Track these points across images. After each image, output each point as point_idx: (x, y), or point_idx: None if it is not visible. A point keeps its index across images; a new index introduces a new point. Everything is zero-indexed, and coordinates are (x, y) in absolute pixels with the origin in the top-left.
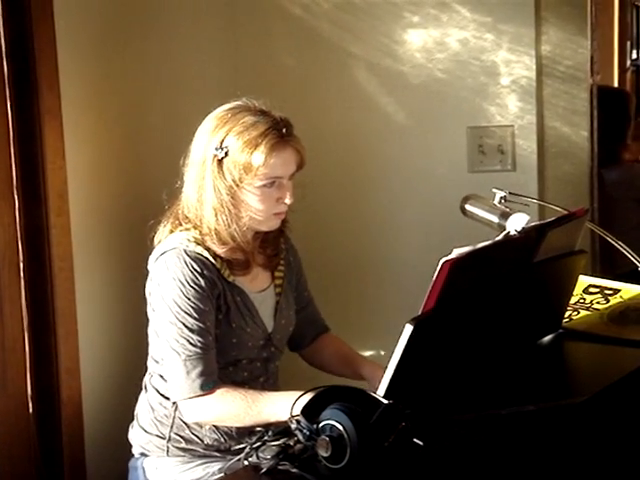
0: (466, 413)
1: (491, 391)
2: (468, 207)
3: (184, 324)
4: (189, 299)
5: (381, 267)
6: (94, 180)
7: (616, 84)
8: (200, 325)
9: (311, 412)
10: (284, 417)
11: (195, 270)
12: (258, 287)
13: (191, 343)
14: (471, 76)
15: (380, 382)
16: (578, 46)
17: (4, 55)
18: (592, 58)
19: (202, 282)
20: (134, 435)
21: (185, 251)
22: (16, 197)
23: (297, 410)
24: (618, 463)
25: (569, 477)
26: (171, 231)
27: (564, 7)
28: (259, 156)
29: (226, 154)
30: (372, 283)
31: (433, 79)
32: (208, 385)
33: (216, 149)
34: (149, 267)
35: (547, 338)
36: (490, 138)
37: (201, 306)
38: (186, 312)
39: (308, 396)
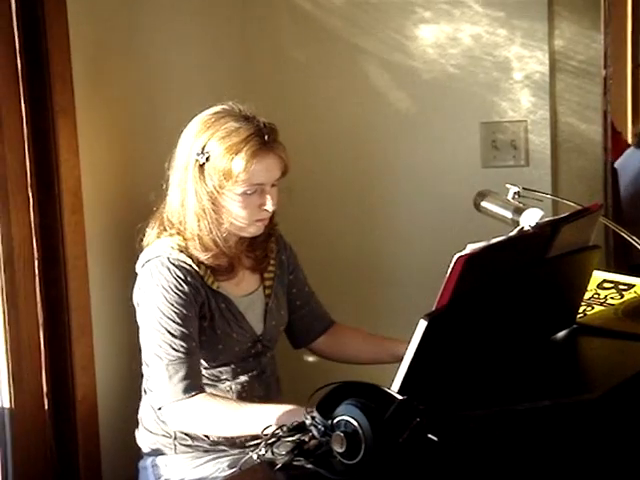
0: (480, 409)
1: (505, 387)
2: (482, 203)
3: (167, 329)
4: (172, 305)
5: (393, 264)
6: (108, 177)
7: (629, 79)
8: (183, 330)
9: (325, 408)
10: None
11: (178, 277)
12: (244, 290)
13: (173, 348)
14: (484, 71)
15: None
16: (591, 41)
17: (18, 53)
18: (605, 53)
19: (185, 288)
20: (141, 437)
21: (169, 259)
22: (30, 195)
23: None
24: (633, 459)
25: (584, 473)
26: (157, 236)
27: (577, 1)
28: (239, 162)
29: (207, 159)
30: (384, 281)
31: (445, 75)
32: (190, 389)
33: (198, 154)
34: (137, 271)
35: (561, 333)
36: (503, 133)
37: (184, 312)
38: (169, 318)
39: (292, 410)
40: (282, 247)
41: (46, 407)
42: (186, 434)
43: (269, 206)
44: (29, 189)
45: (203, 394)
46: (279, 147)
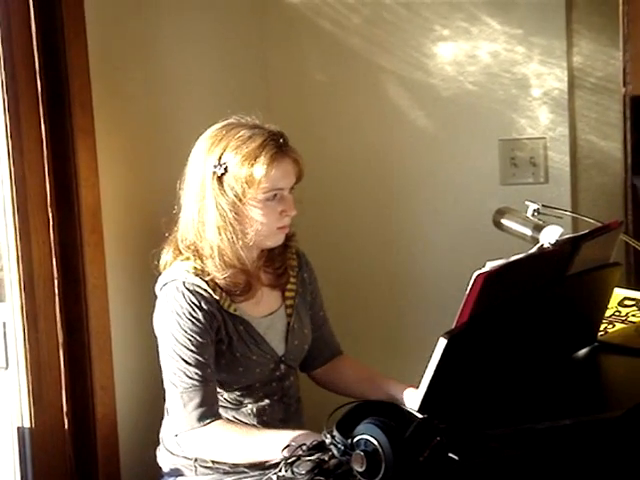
0: (501, 427)
1: (526, 405)
2: (501, 220)
3: (181, 357)
4: (186, 332)
5: (412, 282)
6: (127, 197)
7: None
8: (197, 358)
9: (345, 427)
10: (279, 456)
11: (193, 303)
12: (265, 311)
13: (187, 376)
14: (502, 88)
15: (408, 402)
16: (609, 57)
17: (38, 76)
18: (625, 69)
19: (200, 315)
20: (162, 458)
21: (184, 283)
22: (50, 215)
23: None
24: None
25: None
26: (174, 258)
27: (595, 18)
28: (260, 168)
29: (225, 170)
30: (402, 299)
31: (464, 92)
32: (206, 417)
33: (214, 166)
34: (156, 293)
35: (582, 351)
36: (522, 151)
37: (199, 339)
38: (183, 345)
39: (306, 435)
40: (304, 265)
41: (66, 426)
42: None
43: (290, 210)
44: (49, 209)
45: (218, 421)
46: (293, 151)
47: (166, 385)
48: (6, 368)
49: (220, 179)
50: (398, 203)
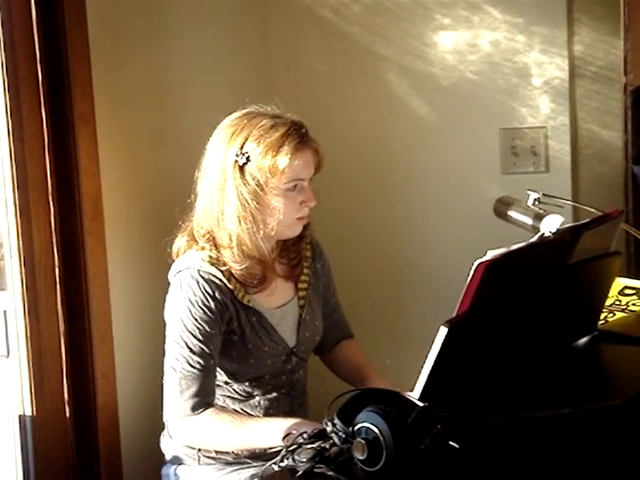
0: (502, 416)
1: (526, 394)
2: (501, 209)
3: (186, 344)
4: (196, 320)
5: (413, 270)
6: (128, 186)
7: None
8: (202, 347)
9: (346, 415)
10: (273, 443)
11: (206, 292)
12: (277, 302)
13: (190, 364)
14: (503, 77)
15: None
16: (611, 46)
17: (38, 61)
18: (625, 58)
19: (212, 304)
20: (165, 444)
21: (199, 271)
22: (51, 203)
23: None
24: None
25: None
26: (188, 245)
27: (596, 7)
28: (284, 158)
29: (247, 159)
30: (403, 287)
31: (465, 81)
32: (199, 407)
33: (236, 155)
34: (169, 280)
35: (583, 340)
36: (523, 140)
37: (207, 329)
38: (191, 332)
39: (298, 424)
40: (318, 255)
41: (67, 415)
42: None
43: (311, 201)
44: (50, 197)
45: (210, 409)
46: (314, 141)
47: (166, 368)
48: (7, 356)
49: (242, 168)
50: (399, 192)
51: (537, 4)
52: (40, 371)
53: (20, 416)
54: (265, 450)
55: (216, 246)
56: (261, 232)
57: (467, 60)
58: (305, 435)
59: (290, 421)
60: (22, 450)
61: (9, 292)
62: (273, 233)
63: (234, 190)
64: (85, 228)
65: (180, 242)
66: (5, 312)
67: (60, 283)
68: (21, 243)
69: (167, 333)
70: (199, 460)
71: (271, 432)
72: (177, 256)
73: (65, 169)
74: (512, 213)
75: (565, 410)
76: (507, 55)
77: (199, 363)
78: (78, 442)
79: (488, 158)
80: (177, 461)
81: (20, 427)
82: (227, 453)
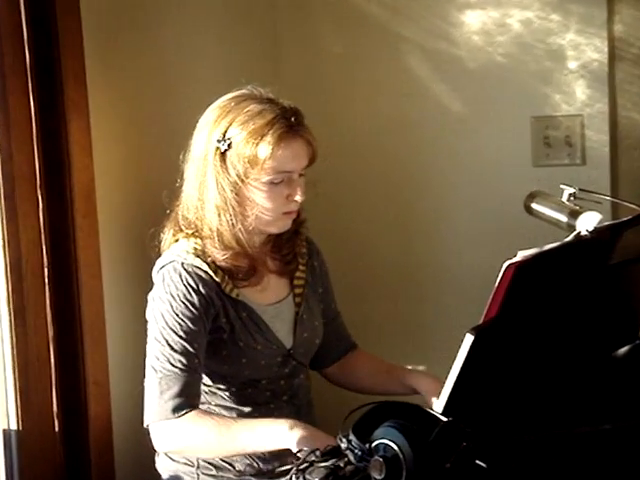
0: (534, 432)
1: (561, 408)
2: (533, 205)
3: (167, 341)
4: (177, 315)
5: (435, 273)
6: (123, 179)
7: None
8: (184, 345)
9: (363, 430)
10: (263, 447)
11: (190, 285)
12: (271, 299)
13: (171, 362)
14: (535, 60)
15: (438, 396)
16: None
17: (26, 44)
18: None
19: (195, 299)
20: (161, 464)
21: (183, 264)
22: (40, 197)
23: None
24: None
25: None
26: (174, 237)
27: None
28: (265, 147)
29: (229, 146)
30: (424, 291)
31: (493, 64)
32: (181, 409)
33: (218, 141)
34: (153, 279)
35: (623, 349)
36: (556, 129)
37: (190, 325)
38: (172, 329)
39: (288, 429)
40: (314, 253)
41: (56, 428)
42: (210, 464)
43: (298, 196)
44: (38, 191)
45: (193, 412)
46: (306, 131)
47: (146, 371)
48: None
49: (223, 155)
50: (420, 187)
51: None
52: (27, 381)
53: (5, 430)
54: (273, 469)
55: (200, 236)
56: (240, 225)
57: (496, 41)
58: (317, 452)
59: (283, 423)
60: (6, 468)
61: None
62: (251, 228)
63: (213, 178)
64: (77, 225)
65: (167, 235)
66: None
67: (49, 284)
68: (7, 241)
69: (148, 331)
70: (198, 478)
71: (263, 434)
72: (163, 251)
73: (55, 162)
74: (544, 209)
75: (605, 426)
76: (540, 36)
77: (181, 362)
78: (68, 458)
79: (518, 149)
80: None
81: (5, 442)
82: (229, 470)
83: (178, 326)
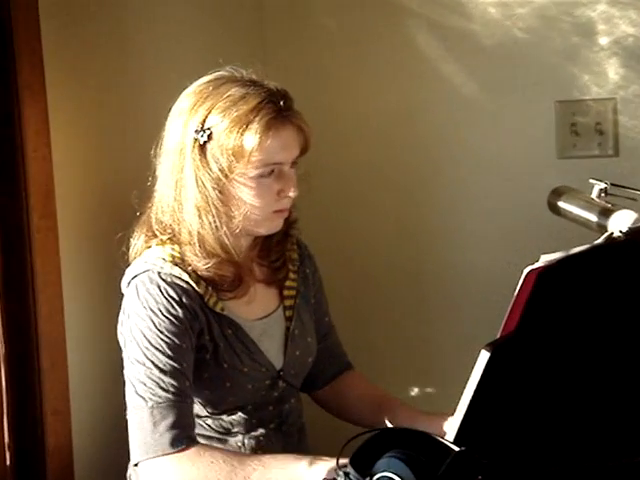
0: (558, 464)
1: (590, 437)
2: (558, 203)
3: (153, 363)
4: (161, 332)
5: (447, 280)
6: (88, 173)
7: None
8: (174, 365)
9: (363, 461)
10: None
11: (171, 297)
12: (258, 312)
13: (162, 387)
14: (561, 36)
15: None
16: None
17: None
18: None
19: (179, 312)
20: None
21: (159, 274)
22: None
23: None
24: None
25: None
26: (146, 243)
27: None
28: (252, 137)
29: (209, 137)
30: (434, 300)
31: (512, 41)
32: (180, 442)
33: (196, 132)
34: (123, 291)
35: None
36: (585, 115)
37: (176, 341)
38: (157, 348)
39: (309, 466)
40: (306, 258)
41: (8, 462)
42: None
43: (291, 192)
44: None
45: (195, 447)
46: (297, 116)
47: (129, 398)
48: None
49: (203, 148)
50: (429, 181)
51: None
52: None
53: None
54: None
55: (178, 242)
56: (224, 227)
57: (515, 14)
58: None
59: (301, 459)
60: None
61: None
62: (238, 230)
63: (192, 175)
64: (33, 225)
65: (137, 240)
66: None
67: (0, 294)
68: None
69: (125, 356)
70: None
71: (279, 473)
72: (134, 259)
73: (7, 151)
74: (571, 208)
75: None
76: (566, 8)
77: (173, 385)
78: None
79: (541, 138)
80: None
81: None
82: None
83: (164, 344)
